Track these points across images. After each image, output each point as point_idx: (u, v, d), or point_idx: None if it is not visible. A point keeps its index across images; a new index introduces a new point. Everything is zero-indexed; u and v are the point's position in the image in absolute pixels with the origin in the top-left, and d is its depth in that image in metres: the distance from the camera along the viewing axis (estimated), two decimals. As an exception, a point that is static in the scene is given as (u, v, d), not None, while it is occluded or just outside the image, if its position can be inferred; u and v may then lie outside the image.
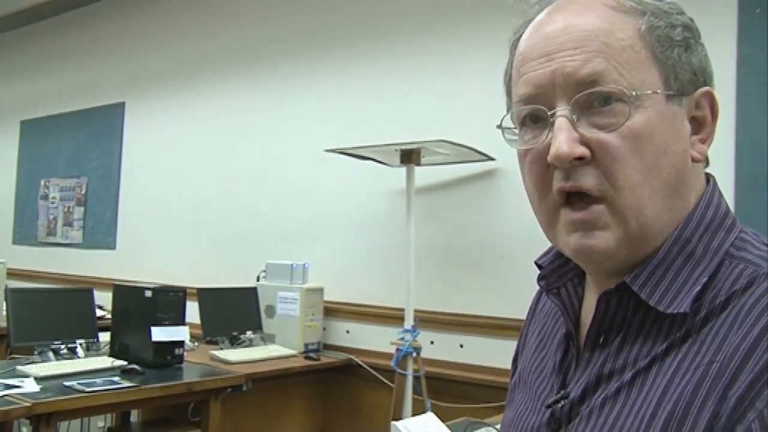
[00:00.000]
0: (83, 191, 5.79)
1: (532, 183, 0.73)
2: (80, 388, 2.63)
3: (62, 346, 3.11)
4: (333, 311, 3.98)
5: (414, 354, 3.15)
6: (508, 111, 0.76)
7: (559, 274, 0.81)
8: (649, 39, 0.69)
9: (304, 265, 3.94)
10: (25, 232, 6.38)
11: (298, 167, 4.22)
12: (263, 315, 3.92)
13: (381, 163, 3.50)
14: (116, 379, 2.81)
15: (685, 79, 0.70)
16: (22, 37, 6.69)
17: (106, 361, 3.08)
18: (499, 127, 0.76)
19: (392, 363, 3.16)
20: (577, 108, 0.68)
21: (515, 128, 0.74)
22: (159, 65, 5.27)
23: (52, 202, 6.08)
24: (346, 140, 3.58)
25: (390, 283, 3.63)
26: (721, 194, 0.75)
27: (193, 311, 3.59)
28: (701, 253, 0.69)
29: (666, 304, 0.68)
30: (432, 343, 3.42)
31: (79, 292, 3.39)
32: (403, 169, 3.31)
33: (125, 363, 3.06)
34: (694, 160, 0.71)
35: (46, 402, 2.47)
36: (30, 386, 2.64)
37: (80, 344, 3.17)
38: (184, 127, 5.01)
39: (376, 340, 3.64)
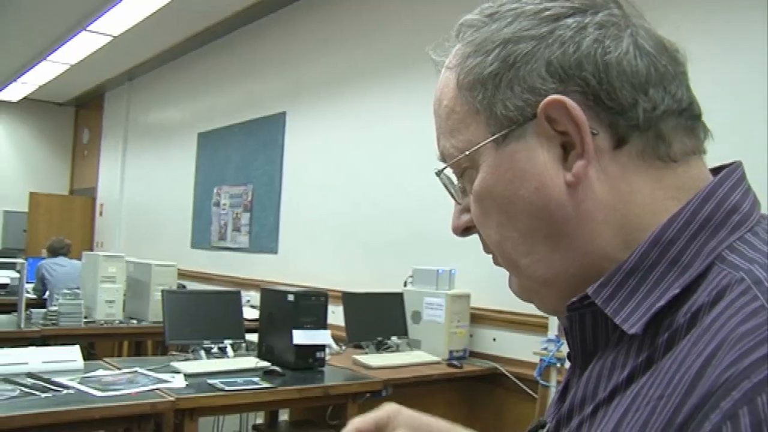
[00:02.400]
0: (250, 198, 6.10)
1: None
2: (221, 386, 2.73)
3: (213, 346, 3.26)
4: (480, 318, 3.86)
5: (558, 365, 2.97)
6: None
7: None
8: (464, 92, 0.63)
9: (450, 270, 3.86)
10: (200, 237, 6.85)
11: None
12: (409, 321, 3.88)
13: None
14: (257, 379, 2.89)
15: (512, 109, 0.60)
16: (199, 57, 7.21)
17: (251, 362, 3.18)
18: None
19: (535, 374, 3.00)
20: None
21: None
22: (316, 75, 5.44)
23: (223, 209, 6.47)
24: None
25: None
26: (736, 187, 0.58)
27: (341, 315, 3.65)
28: (690, 257, 0.55)
29: (625, 322, 0.55)
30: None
31: (229, 295, 3.54)
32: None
33: (269, 364, 3.14)
34: (569, 185, 0.58)
35: (188, 398, 2.59)
36: (178, 382, 2.78)
37: (229, 344, 3.30)
38: (338, 135, 5.12)
39: (523, 348, 3.48)
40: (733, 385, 0.44)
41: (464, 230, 0.68)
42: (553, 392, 2.96)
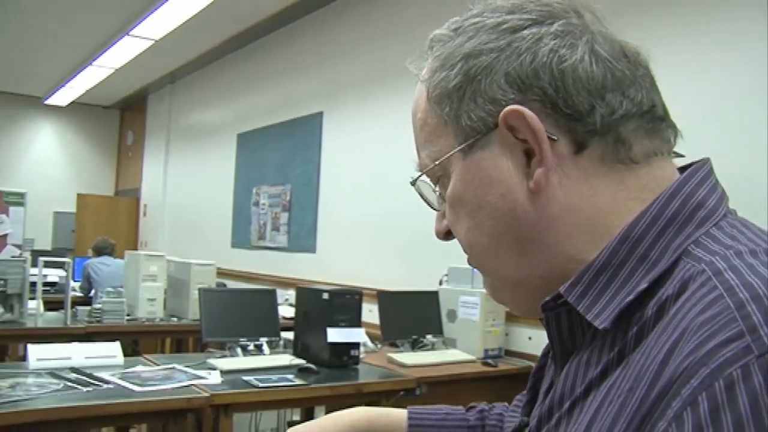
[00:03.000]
0: (288, 198, 6.17)
1: None
2: (255, 383, 2.78)
3: (249, 343, 3.31)
4: (515, 316, 3.84)
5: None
6: None
7: None
8: (433, 105, 0.66)
9: (485, 268, 3.85)
10: (240, 237, 6.95)
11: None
12: (445, 319, 3.89)
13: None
14: (291, 376, 2.93)
15: (476, 119, 0.63)
16: (237, 58, 7.32)
17: (286, 359, 3.23)
18: None
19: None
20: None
21: None
22: (352, 75, 5.47)
23: (262, 209, 6.56)
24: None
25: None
26: (702, 183, 0.60)
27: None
28: (659, 253, 0.56)
29: (596, 318, 0.57)
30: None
31: (265, 293, 3.59)
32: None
33: (304, 362, 3.18)
34: (532, 191, 0.61)
35: (222, 394, 2.64)
36: (214, 378, 2.84)
37: (265, 342, 3.35)
38: (373, 134, 5.15)
39: (558, 348, 3.45)
40: (692, 373, 0.45)
41: (445, 234, 0.71)
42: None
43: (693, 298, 0.50)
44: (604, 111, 0.59)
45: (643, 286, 0.55)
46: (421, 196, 0.74)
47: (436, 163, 0.66)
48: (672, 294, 0.53)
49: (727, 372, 0.44)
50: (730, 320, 0.46)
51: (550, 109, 0.59)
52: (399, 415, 0.99)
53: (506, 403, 1.02)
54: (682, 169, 0.63)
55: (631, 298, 0.56)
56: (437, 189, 0.70)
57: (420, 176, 0.70)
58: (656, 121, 0.62)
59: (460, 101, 0.63)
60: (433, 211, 0.73)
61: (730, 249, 0.53)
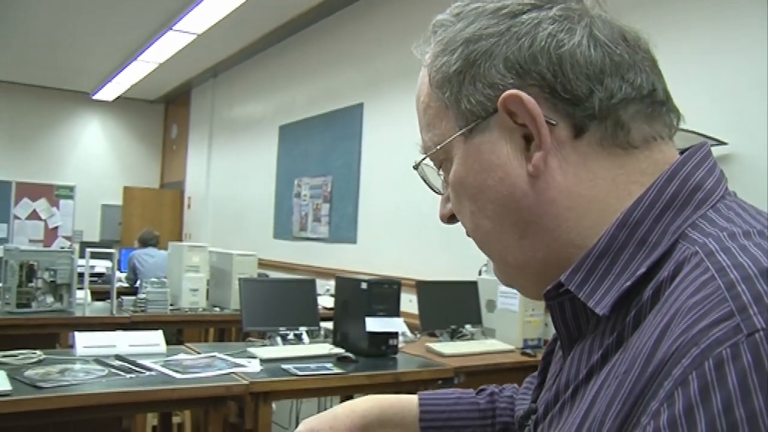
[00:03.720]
0: (329, 189, 6.20)
1: None
2: (293, 371, 2.81)
3: (289, 332, 3.35)
4: (555, 307, 3.81)
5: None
6: None
7: None
8: (434, 89, 0.67)
9: (525, 258, 3.83)
10: (282, 228, 7.02)
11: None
12: (484, 309, 3.88)
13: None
14: (329, 365, 2.96)
15: (475, 104, 0.63)
16: (278, 51, 7.38)
17: (325, 348, 3.25)
18: None
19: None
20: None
21: None
22: (391, 66, 5.47)
23: (304, 200, 6.61)
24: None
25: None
26: (700, 165, 0.59)
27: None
28: (658, 236, 0.56)
29: (597, 305, 0.57)
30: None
31: (304, 283, 3.62)
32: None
33: (342, 351, 3.20)
34: (531, 175, 0.61)
35: (261, 382, 2.68)
36: (254, 367, 2.88)
37: (304, 331, 3.39)
38: (414, 122, 5.08)
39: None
40: (683, 353, 0.45)
41: (449, 218, 0.72)
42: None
43: (686, 280, 0.50)
44: (603, 95, 0.59)
45: (642, 270, 0.55)
46: (424, 180, 0.75)
47: (438, 147, 0.67)
48: (667, 276, 0.53)
49: (717, 351, 0.44)
50: (721, 300, 0.46)
51: (549, 93, 0.59)
52: (410, 401, 1.00)
53: (516, 385, 1.02)
54: (683, 154, 0.62)
55: (629, 283, 0.56)
56: (441, 173, 0.71)
57: (423, 160, 0.71)
58: (657, 105, 0.62)
59: (461, 86, 0.64)
60: (438, 195, 0.74)
61: (724, 231, 0.53)
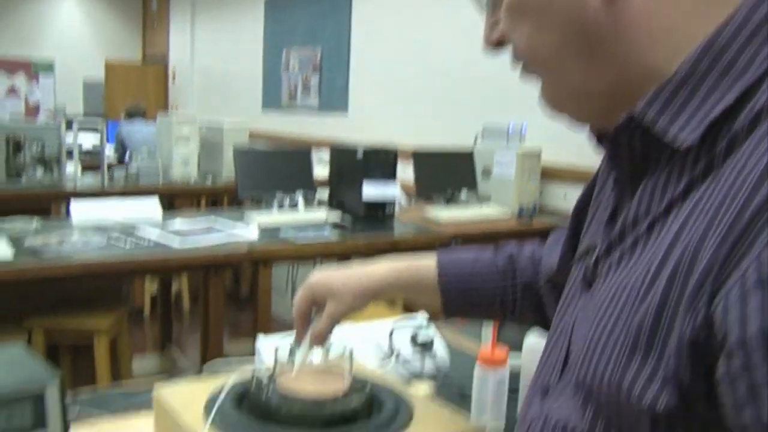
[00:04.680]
0: (318, 59, 6.03)
1: None
2: (291, 237, 2.81)
3: (285, 197, 3.31)
4: (550, 174, 3.81)
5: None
6: None
7: None
8: None
9: (522, 125, 3.78)
10: (271, 99, 6.89)
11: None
12: (479, 177, 3.86)
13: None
14: (326, 233, 2.96)
15: None
16: None
17: (321, 215, 3.25)
18: None
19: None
20: None
21: None
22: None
23: (293, 71, 6.44)
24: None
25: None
26: None
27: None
28: (745, 63, 0.50)
29: (675, 137, 0.52)
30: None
31: (299, 152, 3.57)
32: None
33: (338, 217, 3.20)
34: None
35: (261, 248, 2.69)
36: (252, 233, 2.87)
37: (301, 197, 3.35)
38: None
39: (595, 204, 3.43)
40: None
41: (497, 44, 0.66)
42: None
43: None
44: None
45: (734, 95, 0.50)
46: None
47: None
48: (766, 105, 0.47)
49: None
50: None
51: None
52: (427, 267, 0.97)
53: (537, 243, 1.00)
54: None
55: (717, 112, 0.50)
56: None
57: None
58: None
59: None
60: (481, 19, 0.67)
61: None
